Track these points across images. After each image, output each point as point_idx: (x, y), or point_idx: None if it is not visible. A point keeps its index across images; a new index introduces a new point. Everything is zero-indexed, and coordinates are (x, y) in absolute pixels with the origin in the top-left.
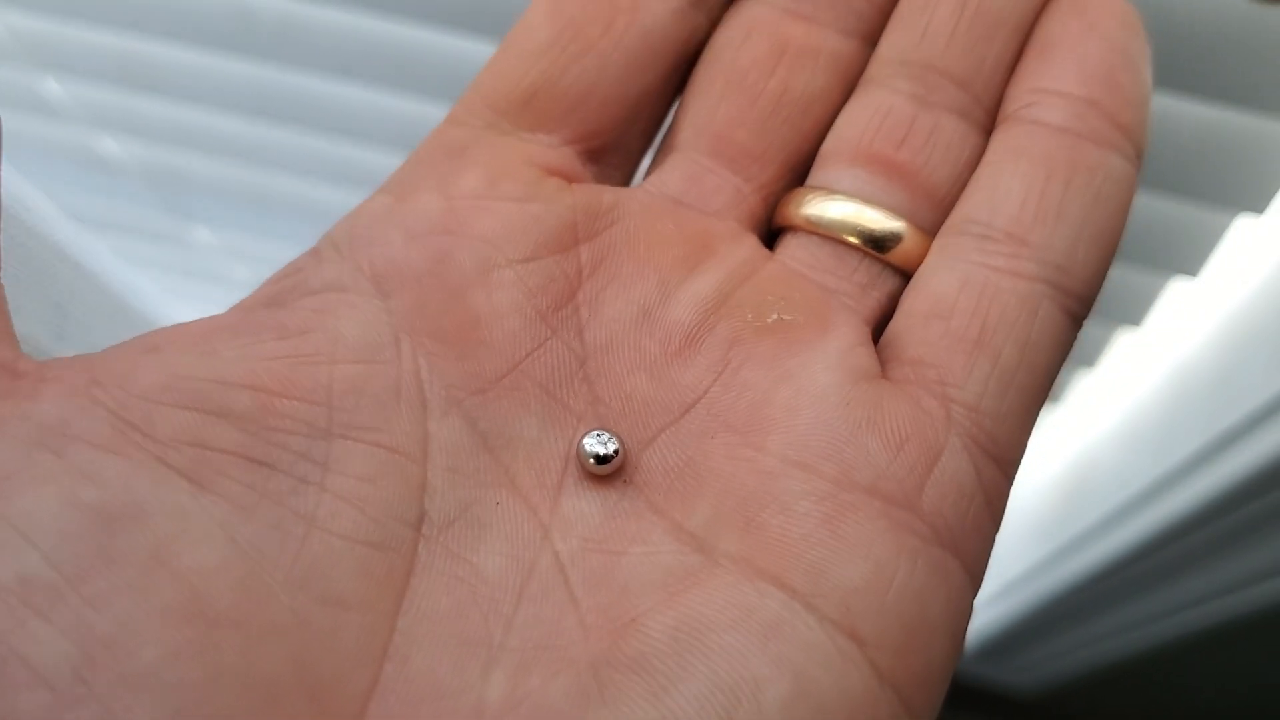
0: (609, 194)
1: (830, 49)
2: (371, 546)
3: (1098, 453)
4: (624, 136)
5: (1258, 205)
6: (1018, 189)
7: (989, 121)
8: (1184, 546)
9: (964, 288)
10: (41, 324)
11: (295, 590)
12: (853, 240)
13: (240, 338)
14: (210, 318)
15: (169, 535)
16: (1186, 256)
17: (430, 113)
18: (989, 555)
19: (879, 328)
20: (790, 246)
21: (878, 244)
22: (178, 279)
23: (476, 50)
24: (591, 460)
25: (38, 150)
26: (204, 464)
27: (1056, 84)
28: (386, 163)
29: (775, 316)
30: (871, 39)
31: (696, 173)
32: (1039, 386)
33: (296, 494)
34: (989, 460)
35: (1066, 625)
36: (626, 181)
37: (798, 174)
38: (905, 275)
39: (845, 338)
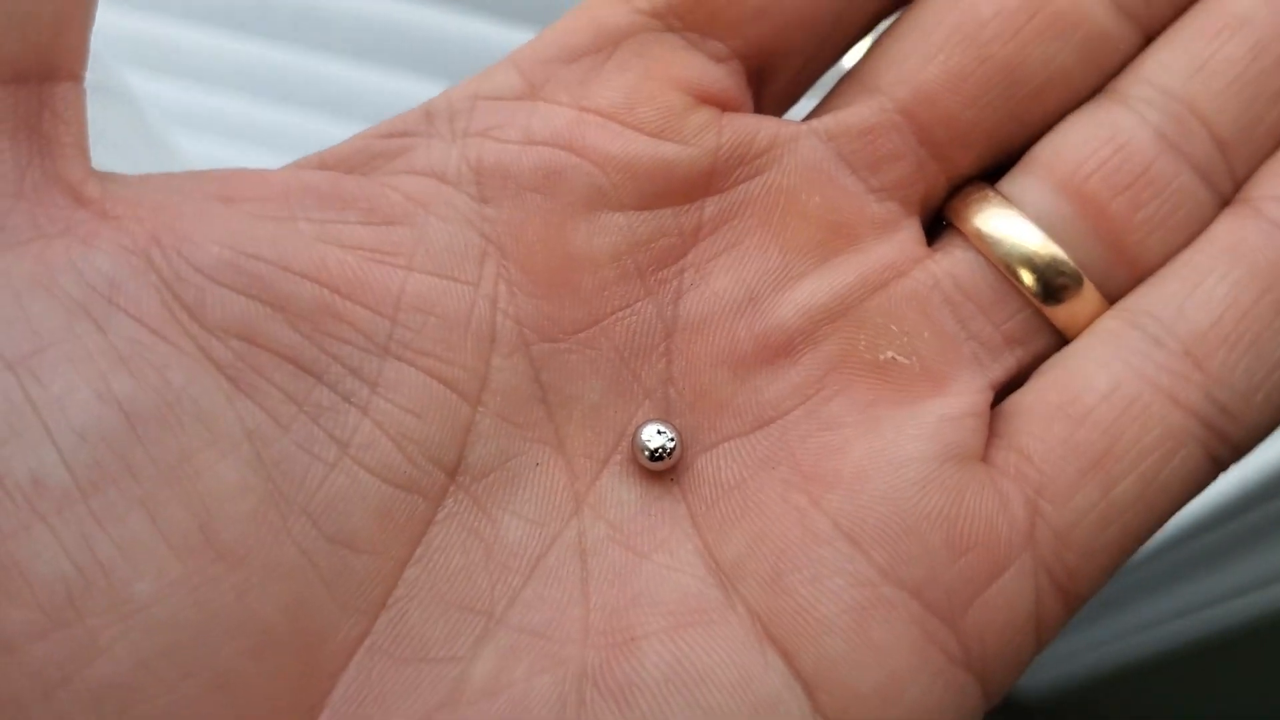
0: (766, 130)
1: (1096, 24)
2: (399, 487)
3: None
4: (806, 57)
5: None
6: (1219, 300)
7: (1232, 195)
8: (1190, 551)
9: (1110, 395)
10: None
11: (308, 525)
12: (1025, 281)
13: (325, 208)
14: (299, 169)
15: (195, 445)
16: None
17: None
18: (1018, 678)
19: (1009, 389)
20: (950, 257)
21: (1050, 293)
22: None
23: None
24: (645, 453)
25: None
26: (248, 361)
27: None
28: None
29: (890, 355)
30: (1146, 28)
31: (883, 128)
32: (1146, 529)
33: (336, 413)
34: (1056, 592)
35: (1072, 629)
36: (790, 105)
37: (996, 162)
38: (1061, 338)
39: (955, 406)
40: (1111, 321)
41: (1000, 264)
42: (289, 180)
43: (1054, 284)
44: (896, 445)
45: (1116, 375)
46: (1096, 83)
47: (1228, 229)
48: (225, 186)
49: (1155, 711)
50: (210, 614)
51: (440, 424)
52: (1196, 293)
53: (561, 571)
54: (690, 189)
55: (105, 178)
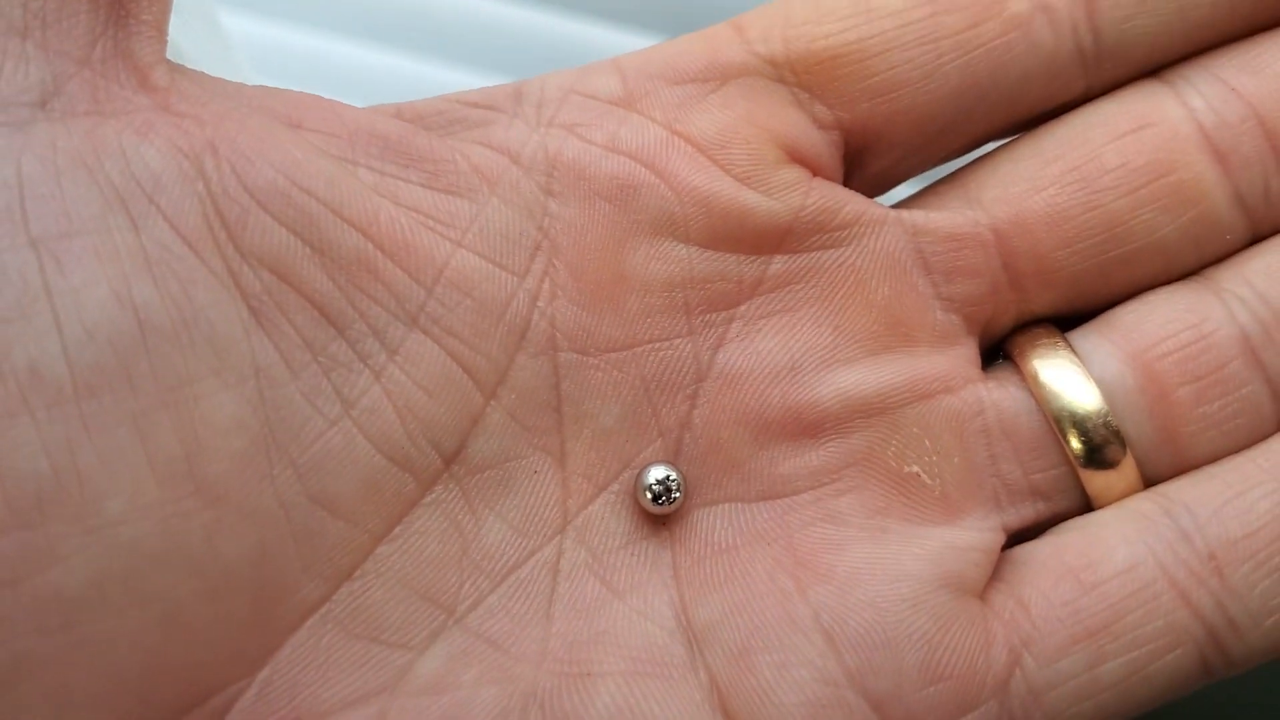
0: (853, 206)
1: (1212, 208)
2: (392, 462)
3: None
4: (904, 151)
5: None
6: (1259, 515)
7: None
8: None
9: (1125, 573)
10: None
11: (293, 478)
12: (1070, 439)
13: (389, 159)
14: (373, 112)
15: (201, 370)
16: None
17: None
18: None
19: (1019, 539)
20: (1000, 391)
21: (1092, 459)
22: None
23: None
24: (647, 493)
25: None
26: (275, 297)
27: None
28: None
29: (915, 470)
30: (1258, 231)
31: (970, 241)
32: (1117, 714)
33: (349, 371)
34: None
35: None
36: (873, 194)
37: (1070, 311)
38: (1087, 505)
39: (964, 539)
40: (1145, 503)
41: (1050, 413)
42: (360, 121)
43: (1099, 451)
44: (897, 559)
45: (1137, 556)
46: (1194, 265)
47: None
48: (295, 111)
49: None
50: (175, 546)
51: (450, 408)
52: (1238, 501)
53: (532, 587)
54: (761, 241)
55: (176, 69)
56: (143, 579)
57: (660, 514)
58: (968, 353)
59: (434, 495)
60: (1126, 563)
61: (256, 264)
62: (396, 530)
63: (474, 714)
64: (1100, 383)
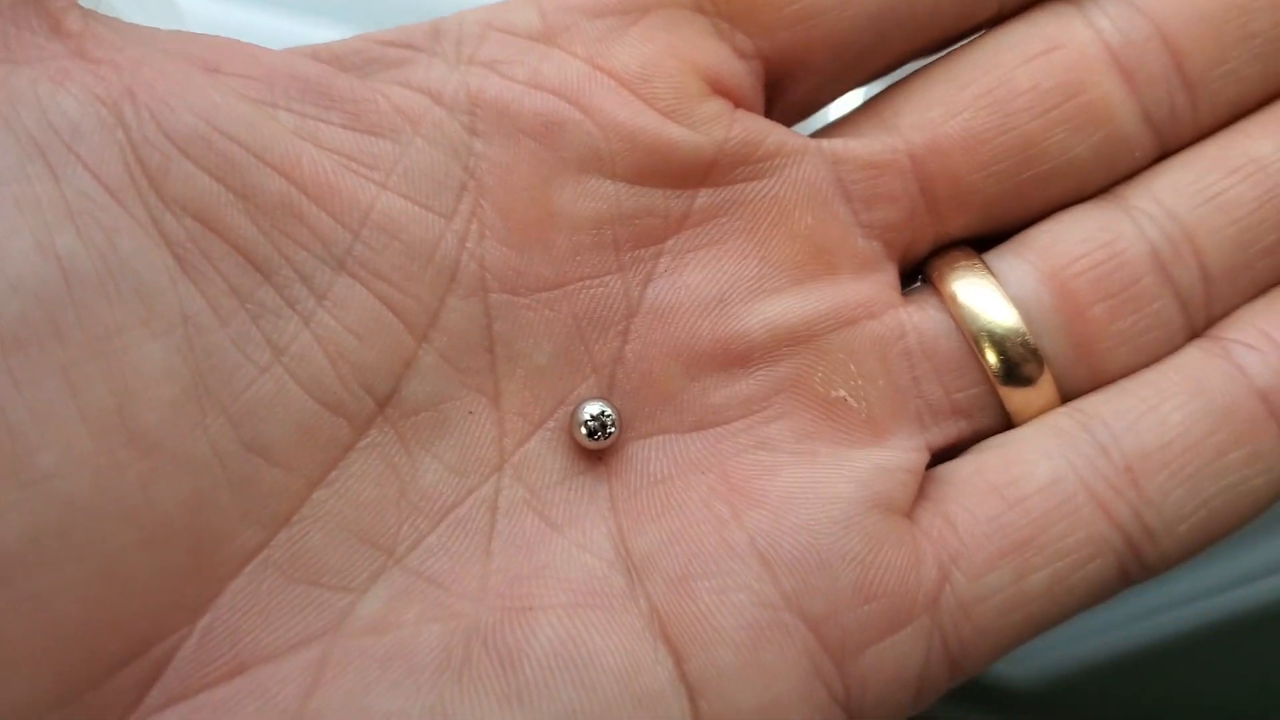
0: (775, 137)
1: (1123, 122)
2: (325, 407)
3: None
4: (823, 78)
5: None
6: (1171, 426)
7: (1204, 330)
8: None
9: (1047, 488)
10: None
11: (226, 425)
12: (988, 358)
13: (310, 101)
14: (290, 55)
15: (128, 320)
16: None
17: None
18: None
19: (944, 456)
20: (921, 314)
21: (1011, 376)
22: None
23: None
24: (582, 429)
25: None
26: (199, 244)
27: None
28: None
29: (841, 394)
30: (1164, 144)
31: (888, 167)
32: (1044, 623)
33: (278, 317)
34: (945, 661)
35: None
36: (796, 120)
37: (986, 232)
38: (1007, 421)
39: (893, 458)
40: (1064, 419)
41: (968, 331)
42: (279, 63)
43: (1016, 368)
44: (827, 481)
45: (1058, 470)
46: (1104, 183)
47: (1194, 361)
48: (213, 55)
49: (1151, 701)
50: (110, 498)
51: (380, 351)
52: (1152, 414)
53: (470, 525)
54: (686, 175)
55: (89, 15)
56: (79, 532)
57: (596, 449)
58: (888, 278)
59: (369, 439)
60: (1048, 478)
61: (180, 211)
62: (332, 475)
63: (417, 652)
64: (1016, 301)
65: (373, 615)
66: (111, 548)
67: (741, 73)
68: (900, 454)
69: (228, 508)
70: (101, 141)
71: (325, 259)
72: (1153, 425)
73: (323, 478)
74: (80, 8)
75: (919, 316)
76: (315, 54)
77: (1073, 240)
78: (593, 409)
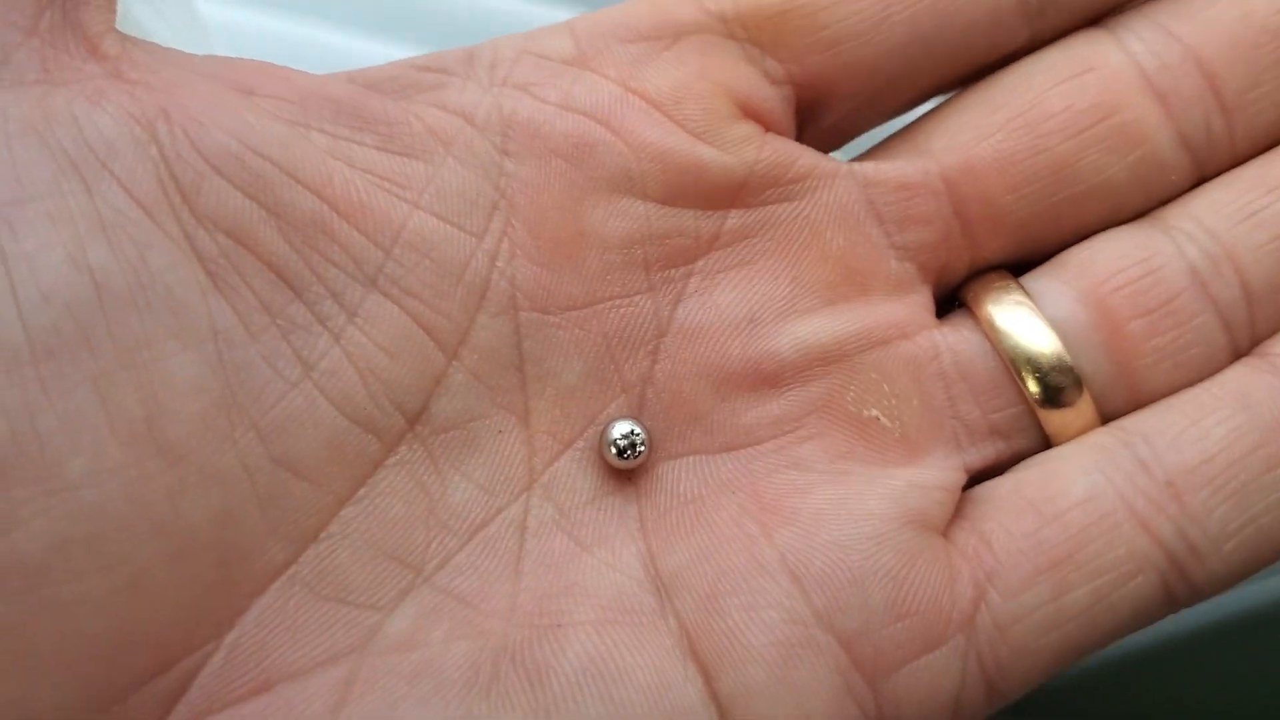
0: (806, 159)
1: (1155, 148)
2: (355, 423)
3: None
4: (854, 104)
5: None
6: (1215, 441)
7: (1249, 348)
8: None
9: (1085, 504)
10: None
11: (255, 439)
12: (1026, 380)
13: (342, 123)
14: (325, 78)
15: (159, 332)
16: None
17: None
18: None
19: (982, 478)
20: (957, 335)
21: (1049, 398)
22: None
23: None
24: (613, 449)
25: None
26: (231, 260)
27: None
28: None
29: (874, 414)
30: (1202, 168)
31: (921, 188)
32: (1085, 645)
33: (308, 333)
34: (982, 683)
35: None
36: (825, 150)
37: (1022, 256)
38: (1046, 442)
39: (928, 477)
40: (1103, 436)
41: (1006, 356)
42: (312, 86)
43: (1055, 390)
44: (860, 499)
45: (1096, 486)
46: (1141, 206)
47: (1238, 377)
48: (246, 77)
49: (1150, 701)
50: (138, 509)
51: (411, 368)
52: (1194, 428)
53: (499, 544)
54: (717, 196)
55: (126, 39)
56: (106, 542)
57: (626, 468)
58: (923, 300)
59: (398, 456)
60: (1086, 493)
61: (212, 228)
62: (361, 492)
63: (445, 669)
64: (1054, 322)
65: (400, 633)
66: (139, 559)
67: (772, 97)
68: (936, 473)
69: (256, 522)
70: (136, 158)
71: (357, 276)
72: (1195, 440)
73: (351, 494)
74: (117, 31)
75: (954, 338)
76: (350, 78)
77: (1109, 258)
78: (622, 428)
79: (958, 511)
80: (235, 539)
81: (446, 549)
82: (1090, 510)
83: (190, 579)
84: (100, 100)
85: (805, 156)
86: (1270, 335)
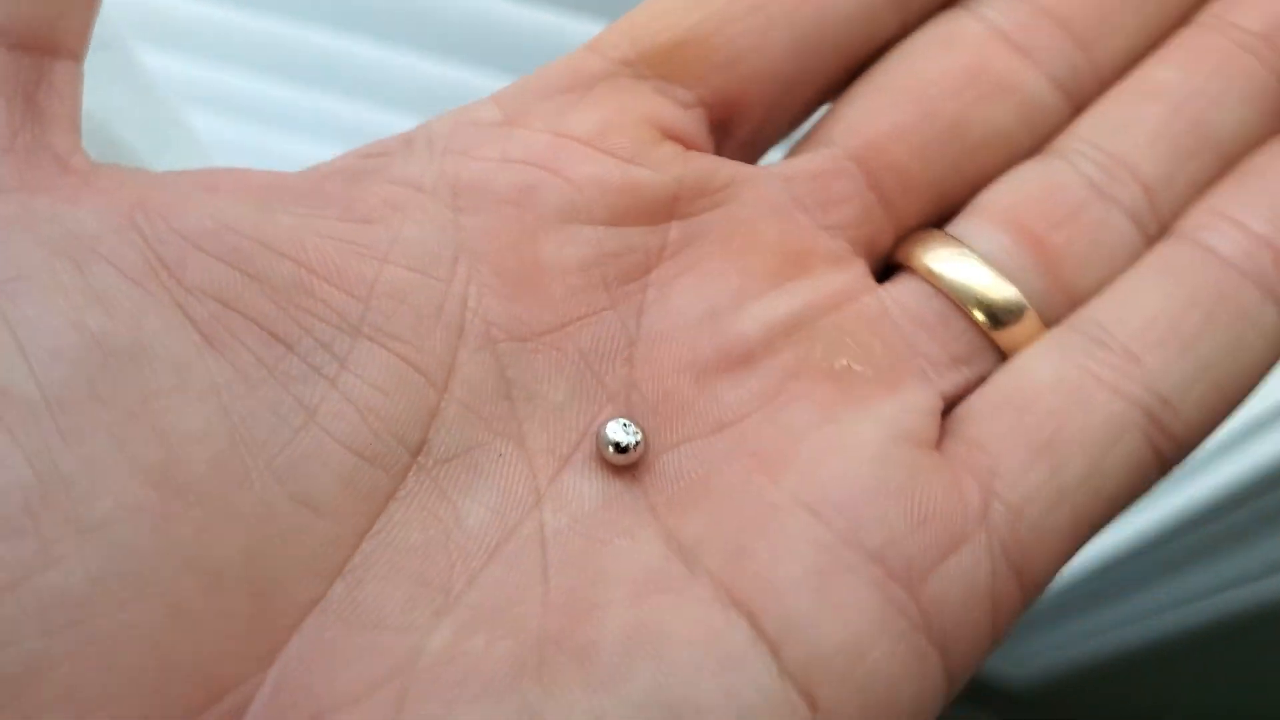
0: (726, 170)
1: (1031, 93)
2: (363, 459)
3: None
4: (762, 114)
5: None
6: (1154, 306)
7: (1159, 236)
8: (1178, 547)
9: (1055, 386)
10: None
11: (271, 481)
12: (972, 309)
13: (303, 204)
14: (279, 173)
15: (164, 386)
16: None
17: (462, 77)
18: (974, 667)
19: (954, 405)
20: (899, 287)
21: (995, 319)
22: None
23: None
24: (611, 447)
25: None
26: (223, 322)
27: (1241, 214)
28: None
29: (845, 363)
30: (1077, 102)
31: (832, 172)
32: (1095, 515)
33: (306, 382)
34: (1011, 572)
35: (1064, 618)
36: (751, 159)
37: (939, 214)
38: (1004, 359)
39: (909, 401)
40: (1054, 332)
41: (948, 293)
42: (271, 180)
43: (1000, 311)
44: (854, 432)
45: (1060, 370)
46: (1033, 144)
47: (1159, 254)
48: (209, 179)
49: (1146, 702)
50: (168, 544)
51: (406, 404)
52: (1133, 301)
53: (521, 558)
54: (656, 211)
55: (93, 161)
56: (142, 574)
57: (627, 463)
58: (861, 270)
59: (407, 488)
60: (1053, 377)
61: (201, 295)
62: (377, 525)
63: (491, 668)
64: (983, 255)
65: (441, 648)
66: (175, 591)
67: (687, 120)
68: (915, 397)
69: (282, 558)
70: (120, 241)
71: (342, 327)
72: (1137, 310)
73: (369, 528)
74: (84, 152)
75: (897, 293)
76: (302, 173)
77: (1017, 190)
78: (614, 427)
79: (943, 432)
80: (266, 573)
81: (470, 569)
82: (1061, 390)
83: (227, 611)
84: (78, 201)
85: (726, 166)
86: (1173, 219)
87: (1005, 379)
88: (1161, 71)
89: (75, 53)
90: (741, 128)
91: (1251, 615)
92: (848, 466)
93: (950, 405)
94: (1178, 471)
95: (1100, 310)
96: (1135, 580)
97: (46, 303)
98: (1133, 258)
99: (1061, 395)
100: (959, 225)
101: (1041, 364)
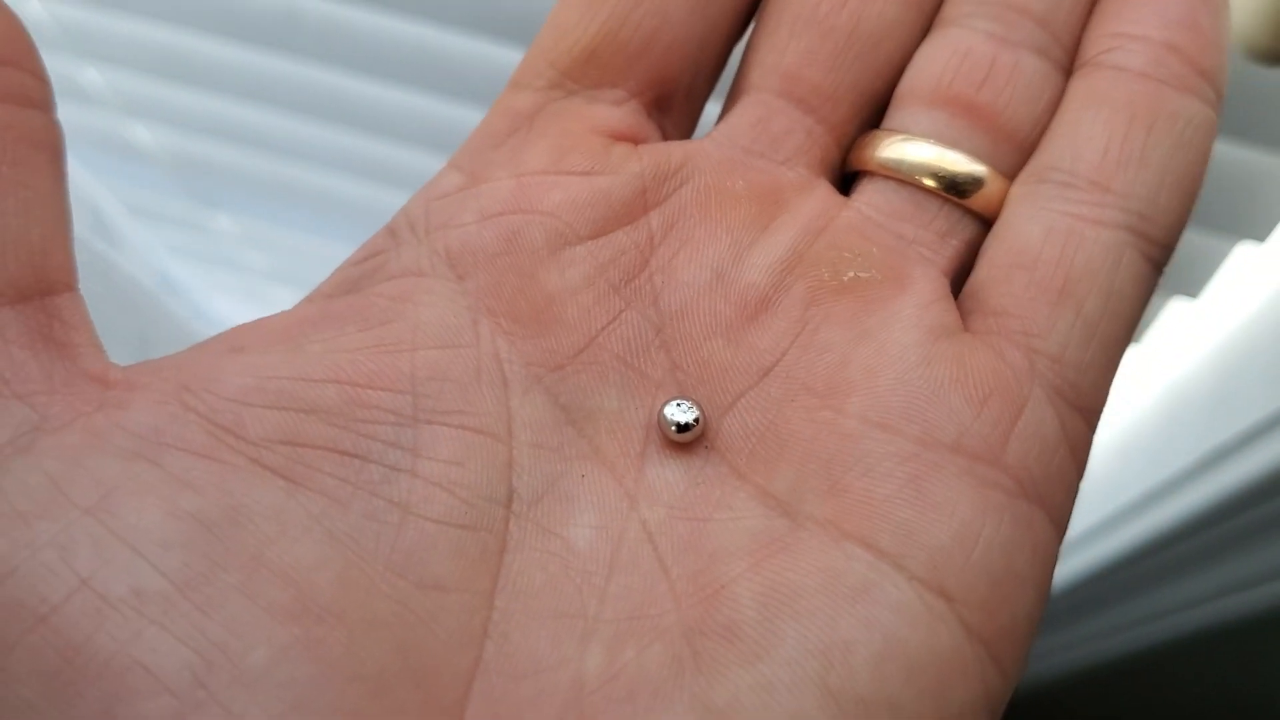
0: (677, 151)
1: None
2: (464, 528)
3: (1094, 463)
4: (689, 82)
5: (1259, 234)
6: (1100, 136)
7: (1068, 61)
8: (1172, 555)
9: (1048, 237)
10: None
11: (394, 577)
12: (932, 185)
13: (323, 330)
14: (290, 312)
15: (268, 536)
16: (1188, 279)
17: (453, 114)
18: (1074, 502)
19: (959, 277)
20: (866, 192)
21: (958, 189)
22: (196, 264)
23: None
24: (673, 429)
25: (70, 136)
26: (297, 461)
27: (1136, 28)
28: (408, 159)
29: (852, 274)
30: None
31: (766, 115)
32: (1122, 335)
33: (389, 482)
34: (1072, 411)
35: (1064, 622)
36: (693, 127)
37: (872, 115)
38: (985, 221)
39: (924, 294)
40: (1021, 187)
41: (909, 178)
42: (286, 320)
43: (962, 180)
44: (891, 340)
45: (1047, 221)
46: (924, 24)
47: (1081, 86)
48: (233, 340)
49: (1148, 705)
50: (326, 665)
51: (483, 467)
52: (1080, 138)
53: (637, 559)
54: (631, 209)
55: (122, 367)
56: (314, 701)
57: (694, 439)
58: (827, 189)
59: (513, 538)
60: (1043, 230)
61: (269, 444)
62: (501, 580)
63: (651, 675)
64: (925, 134)
65: (599, 670)
66: (345, 704)
67: (625, 116)
68: (926, 286)
69: (430, 641)
70: (180, 426)
71: (401, 422)
72: (1086, 142)
73: (495, 586)
74: (112, 361)
75: (866, 196)
76: (308, 299)
77: (928, 66)
78: (672, 409)
79: (964, 311)
80: (421, 660)
81: (597, 588)
82: (1055, 239)
83: (398, 706)
84: (129, 406)
85: (677, 148)
86: (1072, 40)
87: (1001, 247)
88: None
89: (69, 284)
90: (675, 100)
91: (1254, 620)
92: (901, 377)
93: (953, 280)
94: (1180, 477)
95: (1054, 155)
96: (1137, 584)
97: (140, 505)
98: (1055, 88)
99: (1057, 243)
100: (894, 117)
101: (1027, 223)
